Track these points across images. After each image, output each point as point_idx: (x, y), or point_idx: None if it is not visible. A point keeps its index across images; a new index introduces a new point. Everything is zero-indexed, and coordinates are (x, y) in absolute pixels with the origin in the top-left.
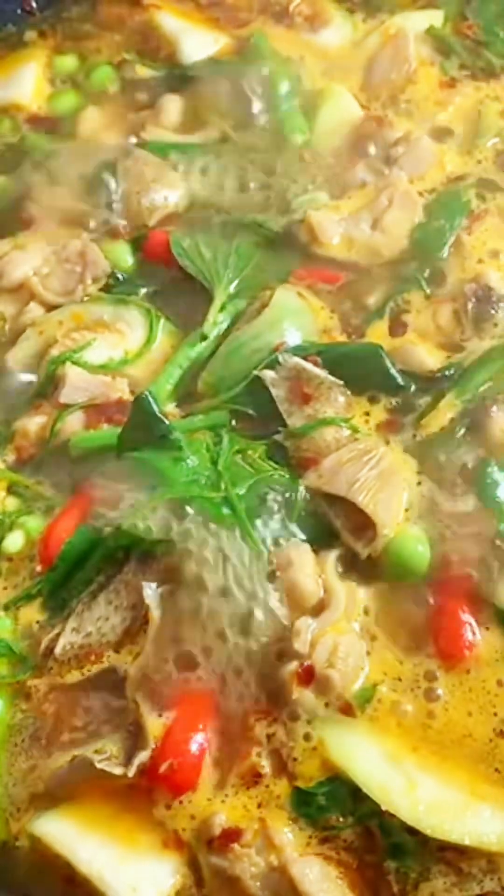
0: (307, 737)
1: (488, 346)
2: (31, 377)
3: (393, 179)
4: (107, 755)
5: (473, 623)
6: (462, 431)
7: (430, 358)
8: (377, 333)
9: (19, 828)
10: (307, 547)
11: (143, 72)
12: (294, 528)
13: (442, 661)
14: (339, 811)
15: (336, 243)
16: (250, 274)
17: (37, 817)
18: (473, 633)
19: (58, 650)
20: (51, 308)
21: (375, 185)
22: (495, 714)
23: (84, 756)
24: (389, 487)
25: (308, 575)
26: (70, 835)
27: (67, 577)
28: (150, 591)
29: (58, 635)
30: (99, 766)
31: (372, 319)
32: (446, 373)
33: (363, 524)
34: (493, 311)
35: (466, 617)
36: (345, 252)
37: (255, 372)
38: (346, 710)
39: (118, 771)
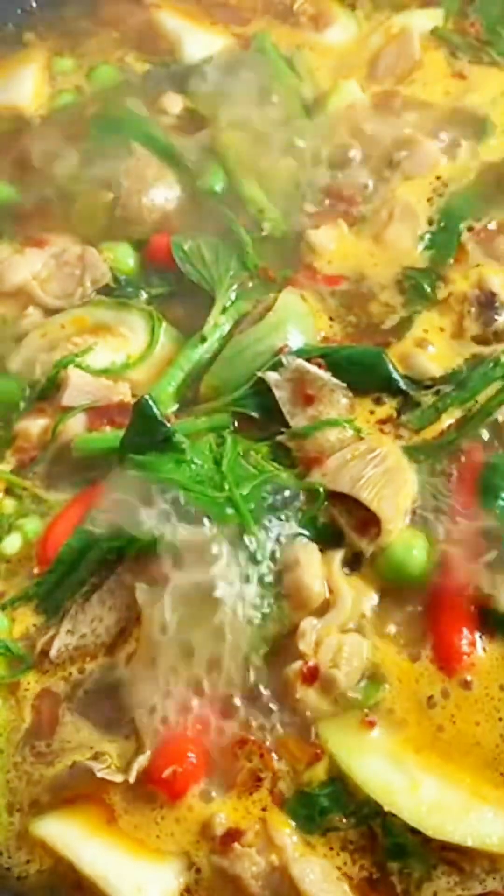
0: (309, 737)
1: (491, 350)
2: (33, 380)
3: (393, 192)
4: (106, 763)
5: (472, 628)
6: (464, 435)
7: (432, 363)
8: (380, 338)
9: (21, 831)
10: (314, 546)
11: (143, 71)
12: (299, 528)
13: (441, 664)
14: (342, 812)
15: (335, 257)
16: (252, 276)
17: (38, 820)
18: (471, 639)
19: (52, 652)
20: (50, 311)
21: (376, 189)
22: (500, 719)
23: (84, 763)
24: (394, 484)
25: (314, 575)
26: (72, 836)
27: (64, 579)
28: (143, 592)
29: (53, 637)
30: (99, 774)
31: (375, 325)
32: (449, 378)
33: (368, 522)
34: (495, 317)
35: (465, 622)
36: (346, 265)
37: (259, 374)
38: (371, 725)
39: (118, 778)
